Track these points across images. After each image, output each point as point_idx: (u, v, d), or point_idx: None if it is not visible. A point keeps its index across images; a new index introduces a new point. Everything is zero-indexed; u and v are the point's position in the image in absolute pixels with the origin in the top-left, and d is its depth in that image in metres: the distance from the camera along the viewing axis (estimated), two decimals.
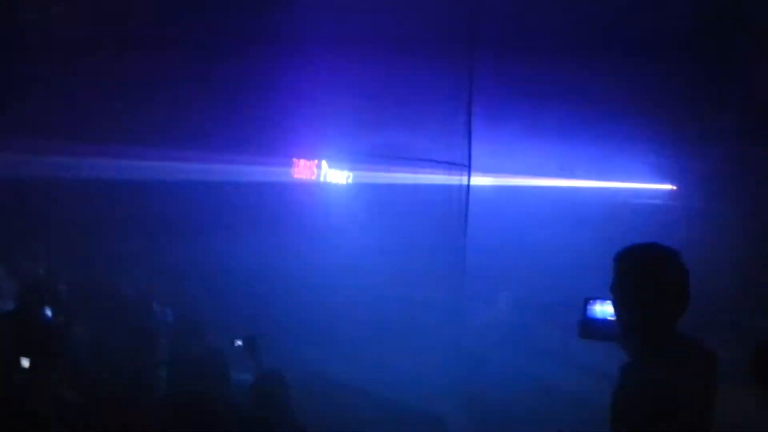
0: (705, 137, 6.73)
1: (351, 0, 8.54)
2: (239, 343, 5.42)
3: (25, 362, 4.51)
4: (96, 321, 6.03)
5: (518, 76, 7.48)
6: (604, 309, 3.14)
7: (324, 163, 9.76)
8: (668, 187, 6.97)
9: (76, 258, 8.91)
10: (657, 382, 2.86)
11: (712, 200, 6.47)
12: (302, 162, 9.91)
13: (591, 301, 3.18)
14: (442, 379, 7.39)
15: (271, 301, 9.22)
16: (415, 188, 8.81)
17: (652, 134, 6.81)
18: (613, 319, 3.08)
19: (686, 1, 6.87)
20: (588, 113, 7.04)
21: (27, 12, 9.77)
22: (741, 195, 6.28)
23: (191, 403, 4.53)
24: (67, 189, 9.91)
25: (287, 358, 7.29)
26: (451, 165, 7.95)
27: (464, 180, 7.68)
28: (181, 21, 9.20)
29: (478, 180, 7.91)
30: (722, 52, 6.62)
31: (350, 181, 9.60)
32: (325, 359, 8.35)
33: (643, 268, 2.97)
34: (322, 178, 9.80)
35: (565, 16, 7.24)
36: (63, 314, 6.00)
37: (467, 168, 7.67)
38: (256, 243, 9.31)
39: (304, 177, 9.88)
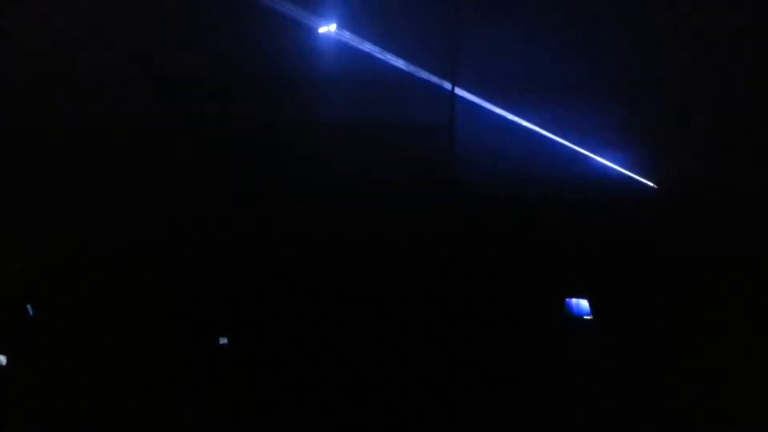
0: (687, 137, 6.77)
1: None
2: (224, 341, 5.41)
3: (2, 359, 4.49)
4: (85, 316, 5.99)
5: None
6: (582, 305, 3.18)
7: None
8: (649, 184, 6.99)
9: (62, 250, 8.84)
10: (632, 373, 2.90)
11: (692, 199, 6.49)
12: None
13: (570, 298, 3.22)
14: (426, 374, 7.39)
15: (255, 289, 9.19)
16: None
17: (634, 131, 6.83)
18: (590, 317, 3.12)
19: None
20: (569, 104, 7.07)
21: None
22: (722, 195, 6.31)
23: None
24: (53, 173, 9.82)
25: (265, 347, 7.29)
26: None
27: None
28: None
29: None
30: (705, 50, 6.66)
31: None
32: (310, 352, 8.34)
33: (617, 263, 3.02)
34: None
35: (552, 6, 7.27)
36: (44, 310, 5.96)
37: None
38: None
39: None
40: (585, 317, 3.15)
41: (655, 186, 6.99)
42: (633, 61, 6.82)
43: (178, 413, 4.59)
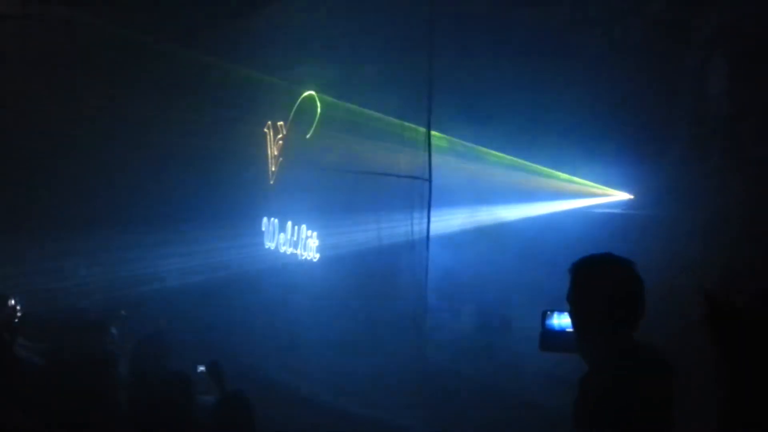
0: (660, 145, 6.79)
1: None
2: (202, 369, 5.37)
3: None
4: (55, 344, 5.91)
5: (473, 86, 7.57)
6: (562, 321, 3.16)
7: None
8: (626, 196, 7.00)
9: (38, 279, 8.78)
10: (615, 391, 2.89)
11: (670, 208, 6.50)
12: None
13: (549, 314, 3.20)
14: (407, 391, 7.36)
15: (234, 315, 9.18)
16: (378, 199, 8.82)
17: (608, 142, 6.84)
18: (571, 330, 3.10)
19: (637, 10, 6.96)
20: (542, 123, 7.11)
21: None
22: (696, 202, 6.32)
23: (154, 427, 4.48)
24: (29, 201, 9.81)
25: (250, 375, 7.25)
26: (413, 179, 7.96)
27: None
28: None
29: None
30: (674, 60, 6.70)
31: None
32: (290, 376, 8.30)
33: (598, 278, 3.01)
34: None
35: (519, 29, 7.32)
36: (18, 338, 5.88)
37: (428, 182, 7.69)
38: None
39: None
40: (567, 330, 3.13)
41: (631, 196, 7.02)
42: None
43: None
